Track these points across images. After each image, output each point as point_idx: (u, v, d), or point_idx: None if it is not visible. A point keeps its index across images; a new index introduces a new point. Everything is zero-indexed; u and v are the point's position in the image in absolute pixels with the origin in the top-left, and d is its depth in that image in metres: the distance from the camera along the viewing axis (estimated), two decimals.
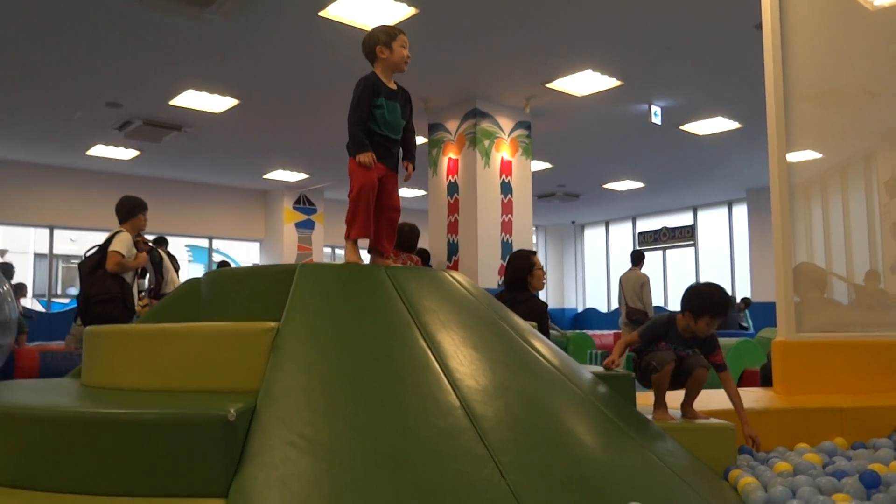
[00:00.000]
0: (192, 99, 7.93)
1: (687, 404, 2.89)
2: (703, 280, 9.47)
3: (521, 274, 4.15)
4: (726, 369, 2.92)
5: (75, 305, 6.23)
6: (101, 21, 5.90)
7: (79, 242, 18.07)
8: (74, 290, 14.82)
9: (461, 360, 2.04)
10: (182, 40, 6.34)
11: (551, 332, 11.41)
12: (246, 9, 5.60)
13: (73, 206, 11.73)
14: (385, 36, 2.67)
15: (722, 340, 4.06)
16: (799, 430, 3.14)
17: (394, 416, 1.81)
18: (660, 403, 2.84)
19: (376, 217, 2.61)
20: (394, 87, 2.69)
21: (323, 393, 1.82)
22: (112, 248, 4.63)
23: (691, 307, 2.80)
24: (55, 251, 12.46)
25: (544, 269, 4.38)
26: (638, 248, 15.89)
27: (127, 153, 10.47)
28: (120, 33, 6.16)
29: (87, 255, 4.93)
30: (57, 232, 12.09)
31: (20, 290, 9.75)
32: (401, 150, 2.76)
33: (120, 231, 4.81)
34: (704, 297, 2.80)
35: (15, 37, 6.25)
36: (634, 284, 8.71)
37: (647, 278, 8.88)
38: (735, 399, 2.88)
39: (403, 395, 1.88)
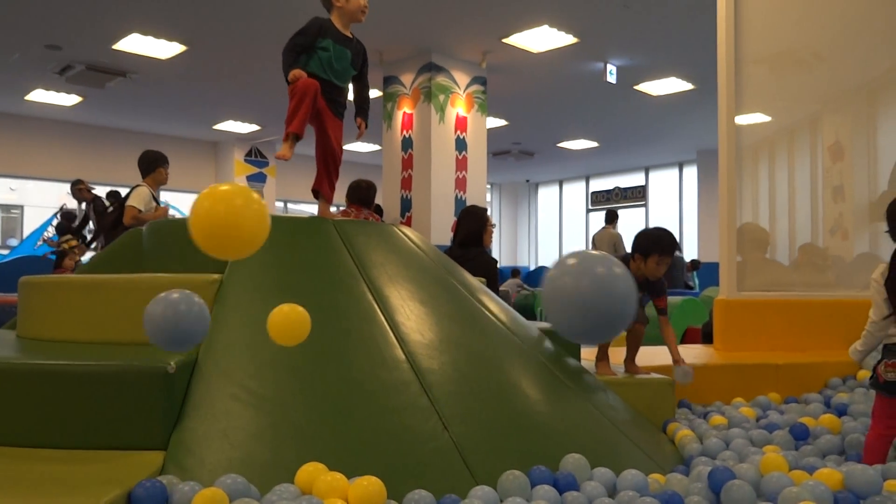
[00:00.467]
0: (136, 43, 7.62)
1: (629, 360, 2.97)
2: None
3: (475, 230, 4.14)
4: (666, 314, 3.00)
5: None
6: None
7: (20, 191, 17.44)
8: (15, 241, 14.34)
9: (408, 315, 2.04)
10: None
11: (522, 292, 11.54)
12: None
13: (13, 153, 11.25)
14: None
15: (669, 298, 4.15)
16: (736, 385, 3.26)
17: (339, 370, 1.81)
18: (602, 357, 2.91)
19: (318, 161, 2.59)
20: (348, 35, 2.63)
21: (267, 346, 1.80)
22: (129, 202, 4.67)
23: (640, 248, 2.90)
24: None
25: (495, 225, 4.39)
26: (591, 206, 16.08)
27: (69, 99, 10.05)
28: None
29: (108, 210, 4.95)
30: None
31: None
32: (356, 107, 2.72)
33: (138, 185, 4.81)
34: (651, 238, 2.91)
35: None
36: (609, 242, 8.93)
37: (620, 236, 9.10)
38: (670, 340, 2.96)
39: (349, 349, 1.88)
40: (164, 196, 13.99)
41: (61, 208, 13.61)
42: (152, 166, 4.93)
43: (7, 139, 11.16)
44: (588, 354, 2.98)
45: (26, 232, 15.67)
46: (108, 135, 12.04)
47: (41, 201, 17.42)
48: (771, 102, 4.65)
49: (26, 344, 2.06)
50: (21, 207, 18.27)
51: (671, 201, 14.81)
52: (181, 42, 7.61)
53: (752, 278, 4.13)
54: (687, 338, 5.34)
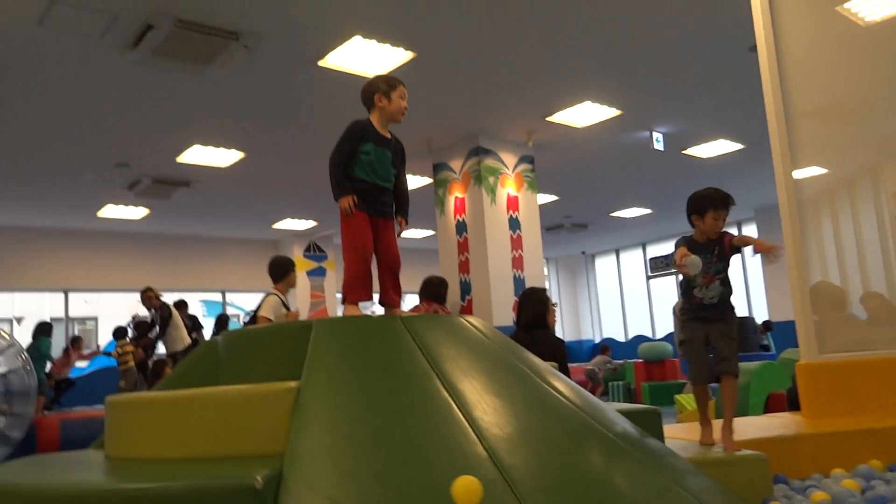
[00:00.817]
0: (198, 154, 8.03)
1: (725, 428, 2.90)
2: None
3: (538, 312, 4.12)
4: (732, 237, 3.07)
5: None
6: (106, 83, 6.01)
7: (93, 303, 18.17)
8: (87, 351, 14.82)
9: (485, 409, 2.01)
10: (186, 97, 6.44)
11: (607, 366, 11.33)
12: (247, 63, 5.69)
13: (87, 267, 11.81)
14: (385, 85, 2.68)
15: (743, 365, 4.01)
16: (833, 454, 3.08)
17: (422, 472, 1.78)
18: (705, 421, 2.89)
19: (378, 270, 2.58)
20: (387, 135, 2.66)
21: (348, 452, 1.80)
22: (260, 313, 4.84)
23: (695, 209, 3.06)
24: (70, 314, 12.50)
25: (556, 304, 4.36)
26: (651, 273, 15.81)
27: (137, 212, 10.57)
28: (125, 94, 6.27)
29: (246, 322, 5.20)
30: (71, 295, 12.15)
31: (77, 342, 9.74)
32: (395, 204, 2.70)
33: (268, 294, 4.98)
34: (700, 196, 3.08)
35: (23, 104, 6.36)
36: None
37: None
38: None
39: (430, 450, 1.85)
40: (230, 297, 14.40)
41: (133, 317, 14.11)
42: (283, 272, 5.12)
43: (81, 254, 11.74)
44: (672, 432, 2.88)
45: (102, 343, 16.21)
46: (174, 242, 12.54)
47: (114, 312, 18.10)
48: (826, 154, 4.57)
49: (115, 465, 2.10)
50: (95, 319, 19.00)
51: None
52: (239, 149, 7.98)
53: (833, 339, 3.96)
54: (771, 405, 5.10)
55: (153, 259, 12.38)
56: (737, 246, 3.05)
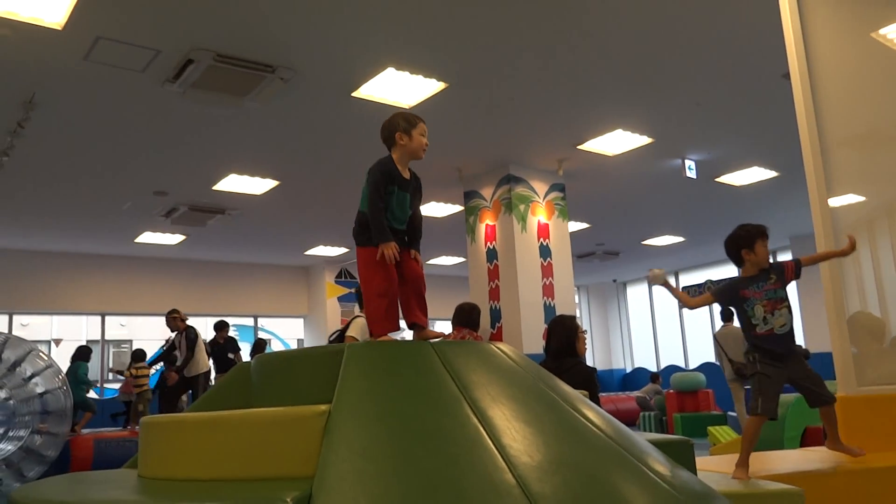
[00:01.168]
0: (234, 183, 8.19)
1: (831, 440, 3.09)
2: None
3: (568, 340, 4.10)
4: (799, 262, 3.21)
5: None
6: (146, 115, 6.19)
7: (129, 327, 18.50)
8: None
9: (514, 436, 2.01)
10: (223, 128, 6.60)
11: (657, 395, 11.26)
12: (282, 94, 5.82)
13: (123, 292, 12.05)
14: (405, 123, 2.63)
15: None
16: (874, 491, 3.00)
17: (450, 499, 1.78)
18: (746, 458, 2.88)
19: (403, 293, 2.58)
20: (407, 175, 2.63)
21: (378, 477, 1.80)
22: (349, 332, 4.97)
23: (745, 244, 3.17)
24: (106, 336, 12.73)
25: (586, 331, 4.33)
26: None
27: (173, 238, 10.79)
28: (165, 125, 6.45)
29: (331, 340, 5.35)
30: (108, 318, 12.39)
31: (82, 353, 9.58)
32: (408, 237, 2.68)
33: (356, 316, 5.13)
34: (745, 230, 3.21)
35: (67, 134, 6.58)
36: (737, 340, 8.72)
37: None
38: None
39: (459, 476, 1.85)
40: (262, 322, 14.54)
41: (167, 341, 14.30)
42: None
43: (118, 279, 11.99)
44: (704, 465, 2.83)
45: None
46: (208, 268, 12.76)
47: (149, 335, 18.39)
48: (863, 182, 4.51)
49: (147, 484, 2.13)
50: (130, 342, 19.31)
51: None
52: (273, 178, 8.13)
53: (873, 371, 3.87)
54: (808, 439, 4.98)
55: (188, 284, 12.59)
56: (800, 269, 3.13)
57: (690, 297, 3.35)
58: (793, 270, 3.11)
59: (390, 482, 1.79)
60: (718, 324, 15.05)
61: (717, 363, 9.16)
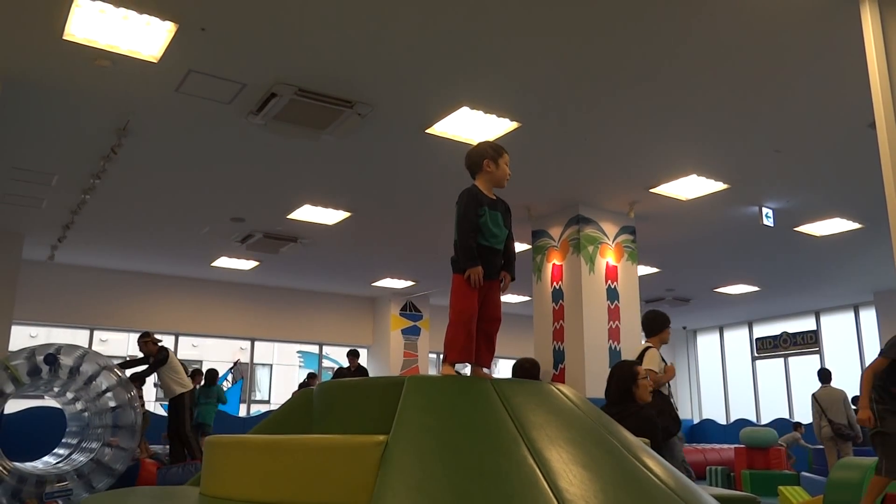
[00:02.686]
0: (308, 213, 8.41)
1: None
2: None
3: (624, 385, 4.02)
4: None
5: None
6: (229, 145, 6.45)
7: (200, 348, 19.05)
8: None
9: (571, 480, 1.98)
10: (301, 159, 6.82)
11: (798, 443, 11.02)
12: (359, 129, 5.98)
13: (198, 313, 12.46)
14: (493, 151, 2.77)
15: (857, 459, 3.73)
16: None
17: None
18: None
19: (481, 331, 2.60)
20: (493, 198, 2.75)
21: None
22: (645, 365, 4.72)
23: None
24: (179, 356, 13.14)
25: (648, 379, 4.21)
26: (757, 354, 15.02)
27: (247, 264, 11.12)
28: (245, 155, 6.71)
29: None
30: (181, 338, 12.80)
31: (197, 375, 9.96)
32: (503, 261, 2.78)
33: (649, 347, 4.98)
34: None
35: (153, 161, 6.92)
36: (837, 401, 9.03)
37: (846, 394, 9.15)
38: None
39: None
40: (327, 350, 14.76)
41: (235, 363, 14.68)
42: (660, 326, 5.08)
43: (193, 301, 12.41)
44: None
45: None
46: (278, 294, 13.07)
47: (218, 356, 18.89)
48: None
49: (206, 501, 2.18)
50: (200, 362, 19.86)
51: (849, 346, 13.59)
52: (346, 209, 8.32)
53: None
54: None
55: (258, 308, 12.92)
56: None
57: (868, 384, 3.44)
58: None
59: None
60: (795, 378, 14.47)
61: (811, 422, 9.18)
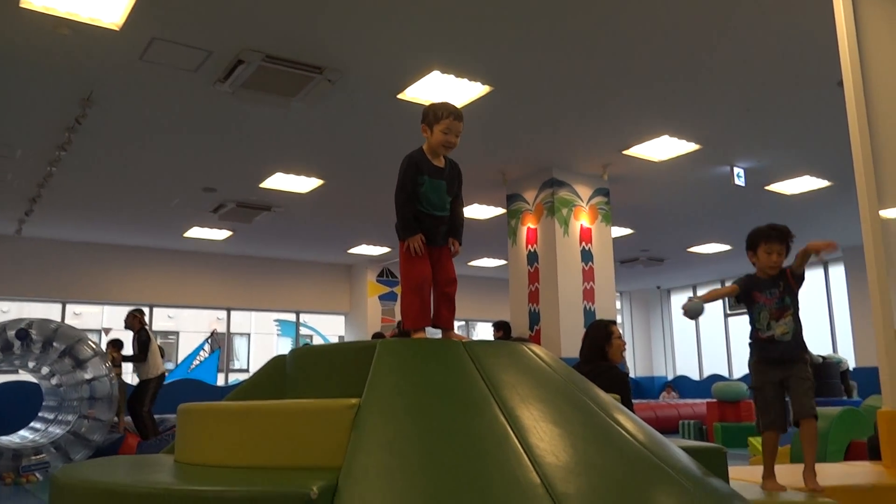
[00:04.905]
0: (280, 181, 8.34)
1: (809, 470, 2.91)
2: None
3: (597, 344, 4.07)
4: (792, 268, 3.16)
5: None
6: (197, 114, 6.35)
7: (176, 319, 18.97)
8: (171, 365, 15.47)
9: (541, 436, 2.01)
10: (271, 128, 6.73)
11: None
12: (329, 96, 5.91)
13: (171, 285, 12.37)
14: (431, 115, 2.62)
15: (823, 410, 3.84)
16: None
17: (475, 495, 1.80)
18: (768, 473, 2.83)
19: (434, 294, 2.60)
20: (440, 164, 2.63)
21: (403, 471, 1.83)
22: None
23: (748, 245, 3.17)
24: (154, 328, 13.08)
25: (623, 338, 4.27)
26: (729, 311, 15.30)
27: (221, 234, 11.03)
28: (214, 124, 6.60)
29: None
30: (156, 309, 12.72)
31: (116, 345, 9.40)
32: (449, 226, 2.66)
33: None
34: (753, 231, 3.19)
35: (121, 132, 6.79)
36: None
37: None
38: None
39: (483, 473, 1.87)
40: (304, 318, 14.75)
41: (212, 333, 14.65)
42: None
43: (167, 272, 12.31)
44: (738, 474, 2.79)
45: (181, 356, 16.88)
46: (254, 263, 13.00)
47: (194, 327, 18.84)
48: None
49: (183, 469, 2.20)
50: (177, 333, 19.81)
51: (818, 302, 13.87)
52: (318, 177, 8.25)
53: None
54: (851, 454, 4.85)
55: (233, 278, 12.86)
56: (799, 273, 3.03)
57: (718, 291, 3.27)
58: (791, 277, 3.07)
59: (415, 477, 1.82)
60: None
61: None
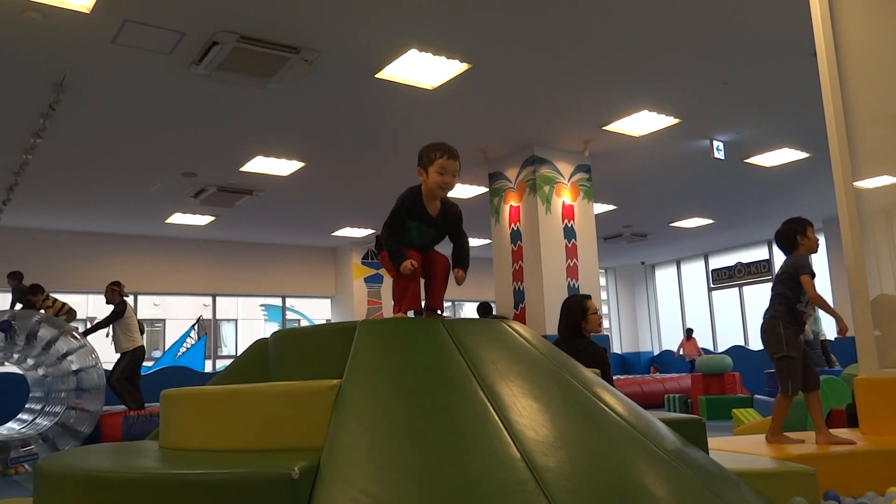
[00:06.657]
0: (261, 164, 8.28)
1: (821, 431, 3.42)
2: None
3: (573, 320, 4.09)
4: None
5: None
6: (173, 97, 6.28)
7: (162, 306, 18.87)
8: (158, 353, 15.41)
9: (520, 412, 2.04)
10: (249, 110, 6.67)
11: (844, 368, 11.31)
12: (306, 77, 5.86)
13: (155, 272, 12.29)
14: (425, 158, 2.51)
15: None
16: (889, 472, 2.98)
17: (455, 471, 1.82)
18: (778, 429, 3.41)
19: (429, 279, 2.61)
20: (433, 211, 2.55)
21: (385, 449, 1.85)
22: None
23: (798, 230, 3.88)
24: (140, 316, 12.99)
25: (599, 312, 4.29)
26: (713, 285, 15.44)
27: (203, 219, 10.96)
28: (191, 107, 6.54)
29: None
30: (141, 297, 12.64)
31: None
32: (453, 259, 2.65)
33: None
34: (796, 220, 3.94)
35: (96, 117, 6.71)
36: None
37: None
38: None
39: (464, 449, 1.89)
40: (291, 302, 14.71)
41: (198, 320, 14.59)
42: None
43: (150, 259, 12.23)
44: (716, 444, 2.84)
45: (168, 344, 16.81)
46: (238, 248, 12.94)
47: (181, 314, 18.75)
48: (891, 164, 4.41)
49: (166, 454, 2.21)
50: (163, 321, 19.72)
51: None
52: (299, 159, 8.20)
53: (895, 353, 3.82)
54: (831, 422, 4.93)
55: (218, 264, 12.80)
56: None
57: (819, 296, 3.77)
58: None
59: (397, 454, 1.84)
60: (749, 306, 14.93)
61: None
